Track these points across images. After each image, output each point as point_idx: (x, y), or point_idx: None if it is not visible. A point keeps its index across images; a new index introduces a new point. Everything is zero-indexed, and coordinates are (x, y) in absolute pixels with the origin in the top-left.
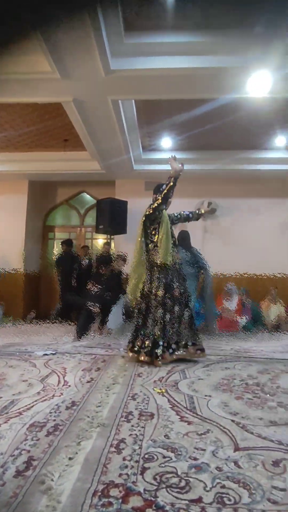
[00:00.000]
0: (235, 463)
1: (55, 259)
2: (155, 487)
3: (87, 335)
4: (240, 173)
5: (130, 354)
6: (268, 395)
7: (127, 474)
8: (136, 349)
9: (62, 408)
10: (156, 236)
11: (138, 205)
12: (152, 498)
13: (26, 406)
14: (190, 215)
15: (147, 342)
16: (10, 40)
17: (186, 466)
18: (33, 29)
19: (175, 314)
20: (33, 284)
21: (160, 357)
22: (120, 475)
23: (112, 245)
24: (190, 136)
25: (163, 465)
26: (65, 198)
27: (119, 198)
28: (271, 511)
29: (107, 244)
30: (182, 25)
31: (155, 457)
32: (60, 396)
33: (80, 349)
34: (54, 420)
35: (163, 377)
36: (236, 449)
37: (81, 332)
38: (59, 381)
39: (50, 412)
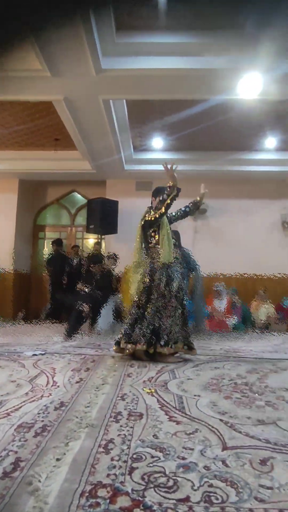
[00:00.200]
0: (223, 462)
1: (46, 259)
2: (143, 487)
3: (77, 335)
4: (230, 174)
5: (129, 345)
6: (256, 394)
7: (115, 474)
8: (132, 340)
9: (51, 408)
10: (157, 237)
11: (129, 205)
12: (140, 498)
13: (14, 407)
14: (188, 209)
15: (147, 333)
16: (0, 37)
17: (174, 465)
18: (24, 27)
19: (171, 309)
20: (23, 284)
21: (160, 347)
22: (108, 475)
23: (103, 245)
24: (181, 136)
25: (151, 465)
26: (56, 198)
27: (110, 198)
28: (258, 510)
29: (98, 244)
30: (173, 25)
31: (144, 457)
32: (48, 396)
33: (70, 349)
34: (42, 421)
35: (152, 377)
36: (224, 448)
37: (71, 332)
38: (48, 382)
39: (38, 413)
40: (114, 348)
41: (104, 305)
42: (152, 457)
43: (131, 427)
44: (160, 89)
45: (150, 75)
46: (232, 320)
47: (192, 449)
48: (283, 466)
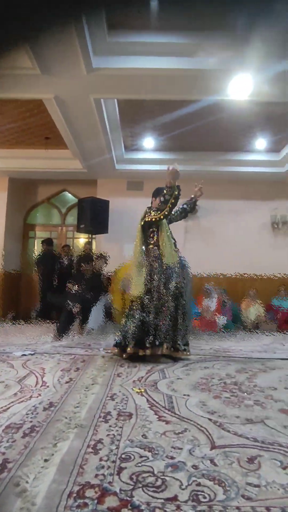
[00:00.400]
0: (211, 461)
1: (36, 258)
2: (131, 487)
3: (67, 335)
4: (221, 174)
5: (148, 351)
6: (245, 393)
7: (103, 474)
8: (147, 344)
9: (40, 409)
10: (155, 237)
11: (120, 205)
12: (128, 498)
13: (2, 407)
14: (187, 208)
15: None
16: None
17: (162, 465)
18: (14, 24)
19: (169, 310)
20: (13, 284)
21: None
22: (97, 475)
23: (94, 244)
24: (172, 136)
25: (140, 464)
26: (47, 197)
27: (101, 198)
28: (245, 507)
29: (89, 243)
30: (165, 25)
31: (132, 457)
32: (37, 397)
33: (60, 349)
34: (31, 421)
35: (142, 377)
36: (213, 447)
37: (61, 332)
38: (37, 382)
39: (27, 414)
40: (115, 351)
41: (94, 305)
42: (141, 457)
43: (120, 427)
44: (152, 89)
45: (141, 75)
46: (222, 320)
47: (181, 449)
48: (270, 464)
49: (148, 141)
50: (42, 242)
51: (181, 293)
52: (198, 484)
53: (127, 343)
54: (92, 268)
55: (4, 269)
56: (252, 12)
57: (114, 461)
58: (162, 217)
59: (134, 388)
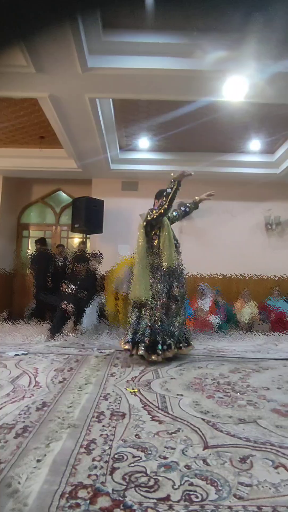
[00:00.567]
0: (204, 460)
1: (30, 258)
2: (123, 487)
3: (61, 334)
4: (215, 175)
5: (159, 357)
6: (238, 393)
7: (96, 475)
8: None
9: (33, 409)
10: (157, 240)
11: (115, 205)
12: (121, 498)
13: None
14: (188, 209)
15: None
16: None
17: (155, 465)
18: (9, 22)
19: (172, 312)
20: (7, 283)
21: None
22: (89, 476)
23: (88, 244)
24: (167, 137)
25: (132, 464)
26: (41, 196)
27: (96, 197)
28: (237, 507)
29: (83, 243)
30: (161, 26)
31: (125, 457)
32: (30, 397)
33: (53, 349)
34: (24, 421)
35: (136, 377)
36: (205, 447)
37: (55, 332)
38: (30, 382)
39: (20, 414)
40: (126, 346)
41: (88, 305)
42: (134, 457)
43: (114, 427)
44: (147, 89)
45: (137, 75)
46: (216, 320)
47: (174, 449)
48: (262, 463)
49: (143, 141)
50: (36, 241)
51: (183, 296)
52: (191, 484)
53: (138, 343)
54: (86, 268)
55: None
56: (247, 13)
57: (107, 461)
58: (162, 211)
59: (127, 388)
